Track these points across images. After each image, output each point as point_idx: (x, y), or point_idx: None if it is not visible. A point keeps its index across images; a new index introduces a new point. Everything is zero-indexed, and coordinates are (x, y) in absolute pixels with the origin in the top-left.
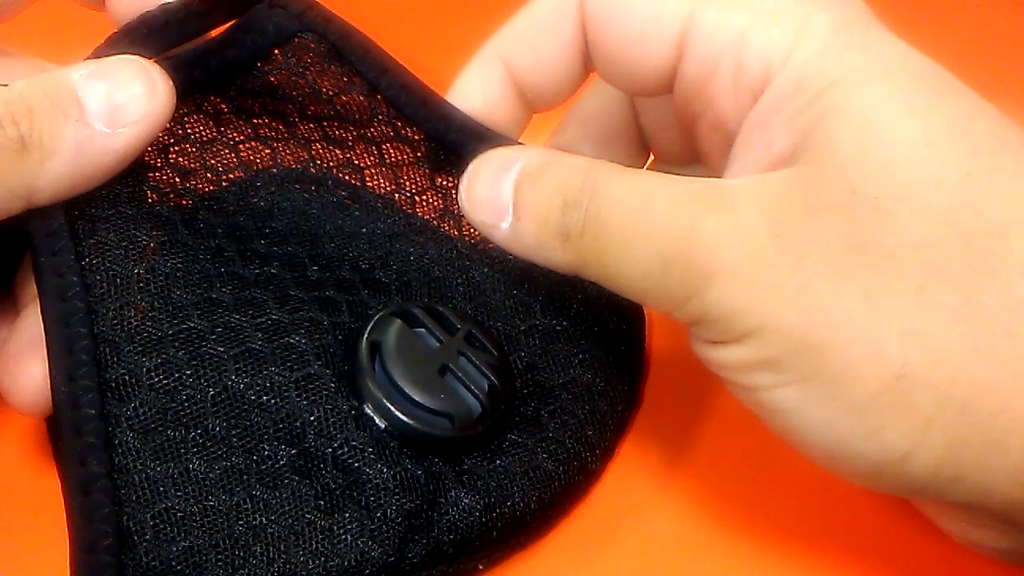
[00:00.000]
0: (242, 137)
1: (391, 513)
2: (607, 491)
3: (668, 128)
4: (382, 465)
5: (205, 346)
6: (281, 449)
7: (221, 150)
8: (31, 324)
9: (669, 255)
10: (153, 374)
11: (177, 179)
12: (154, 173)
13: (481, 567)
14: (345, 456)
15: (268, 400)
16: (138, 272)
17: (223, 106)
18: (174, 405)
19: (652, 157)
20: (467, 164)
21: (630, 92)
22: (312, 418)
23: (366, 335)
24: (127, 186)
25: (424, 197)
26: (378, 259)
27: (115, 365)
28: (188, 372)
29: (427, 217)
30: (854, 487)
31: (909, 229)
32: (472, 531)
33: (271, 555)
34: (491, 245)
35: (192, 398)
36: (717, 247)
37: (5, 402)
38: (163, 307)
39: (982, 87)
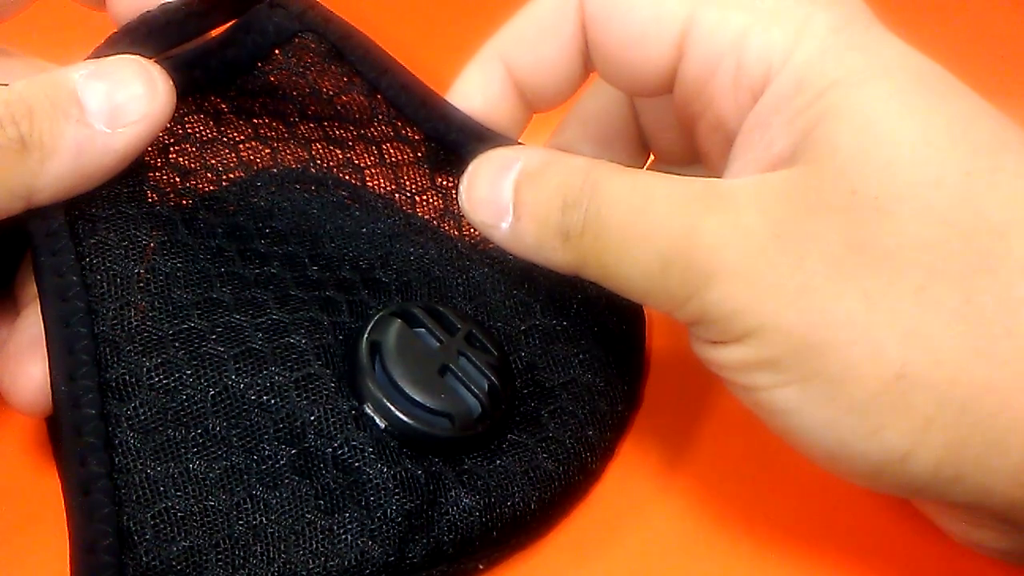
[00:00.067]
0: (242, 137)
1: (391, 513)
2: (607, 491)
3: (668, 128)
4: (382, 465)
5: (205, 346)
6: (281, 449)
7: (221, 150)
8: (31, 324)
9: (669, 255)
10: (153, 374)
11: (177, 179)
12: (154, 173)
13: (481, 567)
14: (345, 456)
15: (268, 400)
16: (138, 272)
17: (223, 106)
18: (174, 405)
19: (652, 157)
20: (467, 164)
21: (630, 92)
22: (312, 418)
23: (366, 335)
24: (127, 186)
25: (424, 197)
26: (378, 259)
27: (115, 365)
28: (188, 372)
29: (427, 217)
30: (854, 487)
31: (909, 229)
32: (472, 531)
33: (271, 555)
34: (491, 245)
35: (192, 398)
36: (717, 247)
37: (5, 402)
38: (163, 307)
39: (982, 87)
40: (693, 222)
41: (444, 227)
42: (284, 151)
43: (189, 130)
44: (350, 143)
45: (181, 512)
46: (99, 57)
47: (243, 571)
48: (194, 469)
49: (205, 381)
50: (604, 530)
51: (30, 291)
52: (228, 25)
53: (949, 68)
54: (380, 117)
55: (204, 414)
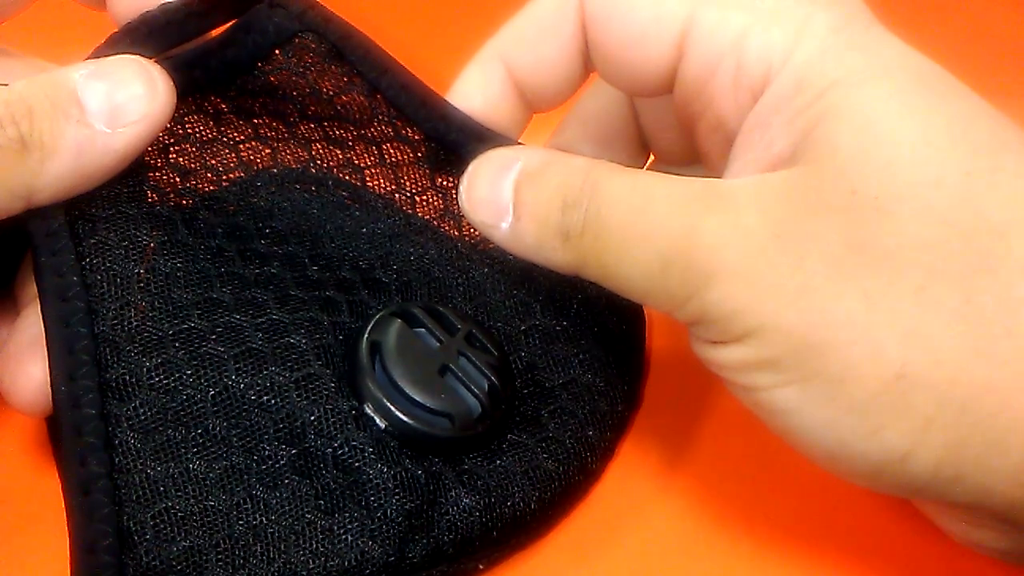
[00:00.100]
0: (242, 137)
1: (391, 513)
2: (607, 491)
3: (668, 128)
4: (382, 465)
5: (205, 346)
6: (281, 449)
7: (221, 150)
8: (31, 324)
9: (669, 255)
10: (153, 374)
11: (177, 179)
12: (154, 173)
13: (481, 567)
14: (345, 456)
15: (268, 400)
16: (138, 272)
17: (223, 106)
18: (174, 405)
19: (652, 157)
20: (467, 164)
21: (630, 92)
22: (312, 418)
23: (366, 335)
24: (127, 186)
25: (424, 197)
26: (378, 259)
27: (115, 365)
28: (188, 372)
29: (427, 217)
30: (854, 487)
31: (909, 229)
32: (472, 531)
33: (271, 555)
34: (491, 245)
35: (192, 398)
36: (717, 247)
37: (5, 402)
38: (163, 307)
39: (982, 87)
40: (693, 222)
41: (444, 227)
42: (284, 151)
43: (189, 130)
44: (350, 143)
45: (181, 512)
46: (99, 57)
47: (243, 571)
48: (194, 469)
49: (205, 381)
50: (604, 530)
51: (30, 291)
52: (228, 25)
53: (949, 68)
54: (380, 117)
55: (204, 414)
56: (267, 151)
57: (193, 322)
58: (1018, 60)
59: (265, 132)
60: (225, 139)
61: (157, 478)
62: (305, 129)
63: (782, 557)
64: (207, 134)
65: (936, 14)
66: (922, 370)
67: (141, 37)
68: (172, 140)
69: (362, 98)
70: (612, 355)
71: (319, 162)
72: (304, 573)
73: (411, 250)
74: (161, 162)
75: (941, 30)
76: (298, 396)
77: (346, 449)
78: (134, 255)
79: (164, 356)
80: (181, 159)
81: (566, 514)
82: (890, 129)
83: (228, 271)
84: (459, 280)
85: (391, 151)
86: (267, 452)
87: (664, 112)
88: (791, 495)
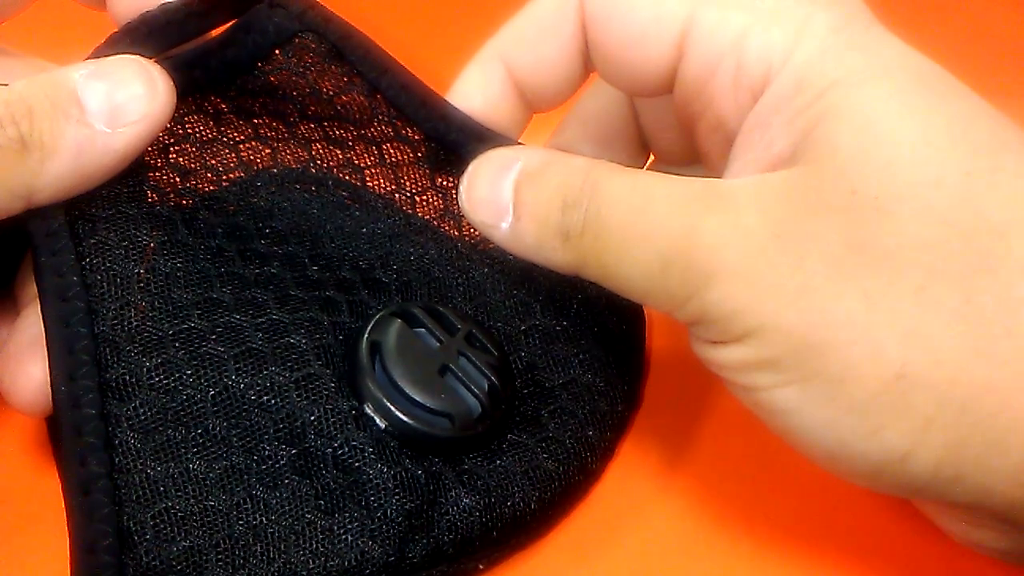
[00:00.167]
0: (242, 137)
1: (391, 513)
2: (607, 491)
3: (668, 128)
4: (382, 465)
5: (205, 346)
6: (281, 449)
7: (221, 150)
8: (31, 324)
9: (669, 255)
10: (153, 374)
11: (177, 179)
12: (154, 173)
13: (481, 567)
14: (345, 456)
15: (268, 400)
16: (138, 272)
17: (223, 106)
18: (174, 405)
19: (652, 157)
20: (467, 164)
21: (630, 92)
22: (312, 418)
23: (366, 335)
24: (127, 186)
25: (424, 197)
26: (378, 259)
27: (115, 365)
28: (188, 372)
29: (427, 217)
30: (854, 487)
31: (909, 229)
32: (472, 531)
33: (271, 555)
34: (491, 245)
35: (192, 398)
36: (717, 247)
37: (5, 402)
38: (163, 307)
39: (982, 87)
40: (693, 222)
41: (444, 227)
42: (284, 151)
43: (189, 130)
44: (350, 143)
45: (181, 512)
46: (99, 57)
47: (243, 571)
48: (194, 469)
49: (205, 381)
50: (604, 530)
51: (30, 291)
52: (228, 25)
53: (949, 68)
54: (380, 117)
55: (204, 414)
56: (267, 151)
57: (193, 322)
58: (1018, 60)
59: (265, 132)
60: (225, 139)
61: (157, 478)
62: (305, 129)
63: (782, 557)
64: (207, 134)
65: (936, 14)
66: (922, 370)
67: (141, 37)
68: (172, 140)
69: (362, 98)
70: (612, 355)
71: (319, 162)
72: (304, 573)
73: (411, 250)
74: (161, 162)
75: (941, 30)
76: (298, 396)
77: (346, 449)
78: (134, 255)
79: (164, 356)
80: (181, 159)
81: (566, 514)
82: (890, 129)
83: (228, 271)
84: (459, 280)
85: (391, 151)
86: (267, 452)
87: (664, 112)
88: (791, 495)
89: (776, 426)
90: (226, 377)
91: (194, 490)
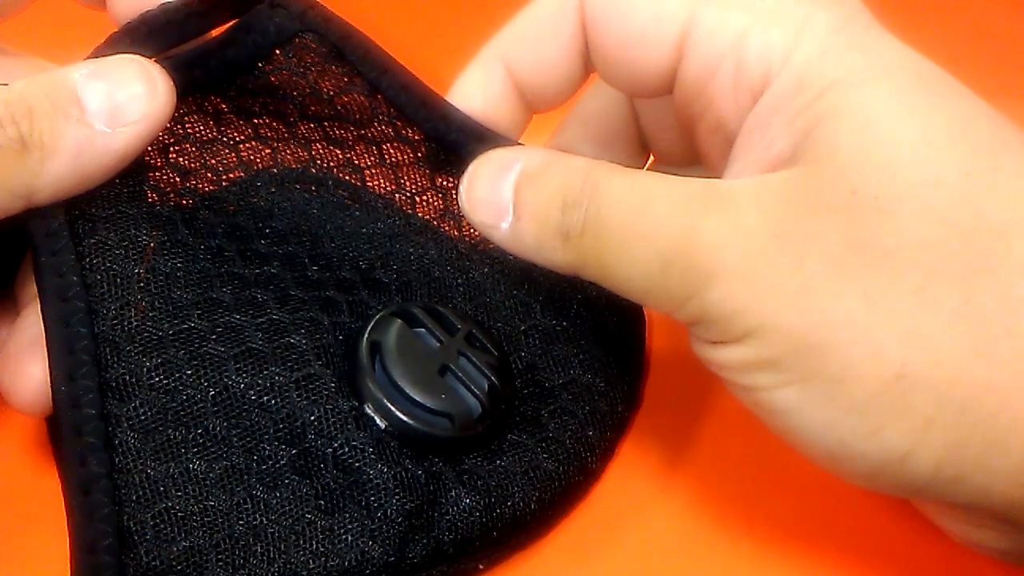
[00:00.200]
0: (242, 137)
1: (391, 513)
2: (607, 491)
3: (668, 129)
4: (382, 465)
5: (205, 346)
6: (281, 449)
7: (221, 150)
8: (31, 324)
9: (669, 255)
10: (153, 374)
11: (177, 179)
12: (154, 173)
13: (481, 567)
14: (345, 456)
15: (268, 400)
16: (138, 272)
17: (223, 106)
18: (174, 405)
19: (652, 158)
20: (467, 164)
21: (630, 93)
22: (312, 418)
23: (366, 335)
24: (127, 186)
25: (424, 197)
26: (378, 259)
27: (115, 365)
28: (188, 372)
29: (427, 217)
30: (854, 487)
31: (909, 229)
32: (472, 531)
33: (271, 555)
34: (491, 245)
35: (192, 398)
36: (717, 247)
37: (5, 402)
38: (163, 307)
39: (982, 87)
40: (693, 222)
41: (444, 227)
42: (284, 151)
43: (189, 130)
44: (350, 143)
45: (181, 512)
46: (99, 57)
47: (243, 571)
48: (194, 469)
49: (205, 381)
50: (604, 530)
51: (30, 291)
52: (228, 25)
53: (949, 68)
54: (380, 117)
55: (204, 414)
56: (267, 151)
57: (193, 322)
58: (1018, 60)
59: (265, 132)
60: (225, 139)
61: (157, 478)
62: (305, 129)
63: (782, 557)
64: (207, 134)
65: (936, 14)
66: (922, 370)
67: (141, 37)
68: (172, 140)
69: (362, 98)
70: (612, 355)
71: (319, 162)
72: (304, 573)
73: (411, 250)
74: (161, 162)
75: (941, 30)
76: (298, 396)
77: (346, 449)
78: (134, 255)
79: (164, 356)
80: (181, 159)
81: (566, 514)
82: (890, 129)
83: (228, 271)
84: (459, 280)
85: (391, 151)
86: (267, 452)
87: (664, 113)
88: (791, 495)
89: (776, 426)
90: (226, 377)
91: (194, 490)
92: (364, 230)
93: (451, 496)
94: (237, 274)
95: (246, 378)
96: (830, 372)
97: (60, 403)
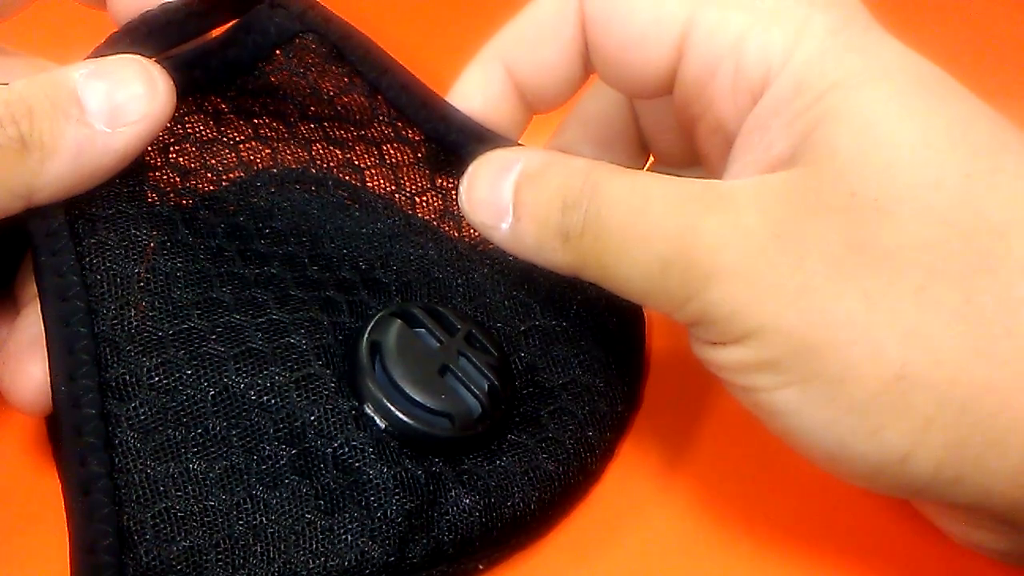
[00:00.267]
0: (242, 137)
1: (391, 513)
2: (607, 491)
3: (668, 130)
4: (382, 465)
5: (205, 346)
6: (281, 449)
7: (221, 150)
8: (31, 324)
9: (669, 256)
10: (153, 374)
11: (177, 179)
12: (154, 173)
13: (481, 567)
14: (345, 456)
15: (268, 400)
16: (138, 272)
17: (223, 106)
18: (174, 405)
19: (652, 159)
20: (467, 165)
21: (630, 94)
22: (312, 418)
23: (366, 335)
24: (127, 185)
25: (424, 198)
26: (378, 259)
27: (115, 365)
28: (188, 372)
29: (427, 218)
30: (854, 487)
31: (909, 229)
32: (472, 531)
33: (271, 555)
34: (491, 246)
35: (192, 398)
36: (717, 247)
37: (5, 402)
38: (163, 307)
39: (982, 88)
40: (693, 222)
41: (444, 228)
42: (284, 151)
43: (189, 130)
44: (350, 144)
45: (181, 512)
46: (99, 56)
47: (243, 571)
48: (194, 469)
49: (205, 381)
50: (604, 530)
51: (30, 291)
52: (228, 25)
53: (949, 69)
54: (380, 118)
55: (204, 414)
56: (267, 151)
57: (193, 322)
58: (1018, 60)
59: (265, 132)
60: (225, 139)
61: (157, 478)
62: (305, 129)
63: (782, 557)
64: (207, 134)
65: (935, 15)
66: (922, 370)
67: (141, 37)
68: (172, 140)
69: (362, 99)
70: (612, 356)
71: (319, 162)
72: (304, 573)
73: (411, 250)
74: (161, 162)
75: (940, 31)
76: (298, 396)
77: (346, 449)
78: (134, 255)
79: (164, 356)
80: (181, 159)
81: (566, 514)
82: (889, 131)
83: (228, 271)
84: (459, 280)
85: (391, 152)
86: (267, 452)
87: (664, 114)
88: (791, 495)
89: (776, 427)
90: (226, 377)
91: (194, 490)
92: (364, 230)
93: (451, 496)
94: (237, 274)
95: (246, 378)
96: (830, 372)
97: (60, 403)
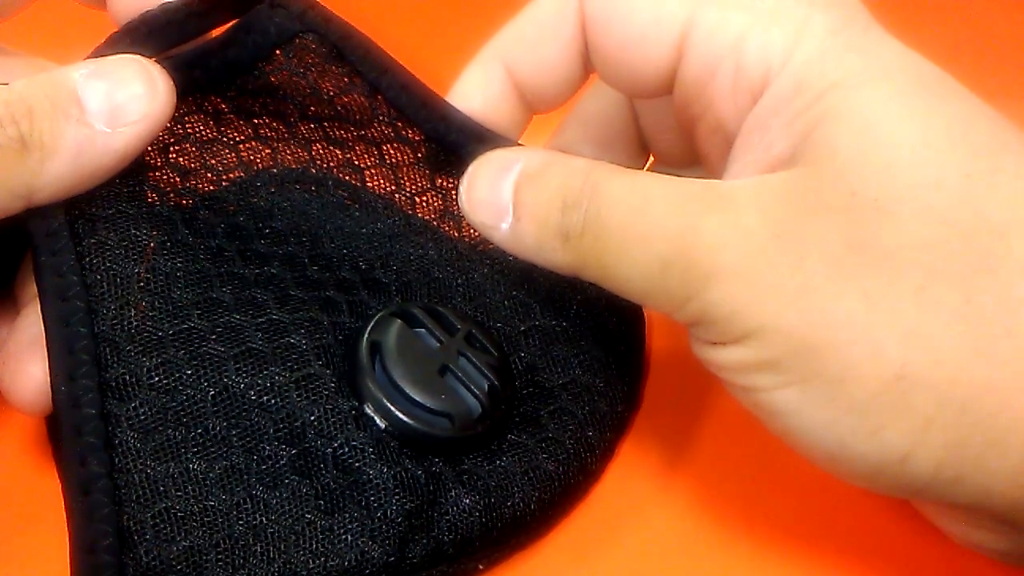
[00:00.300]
0: (242, 137)
1: (391, 513)
2: (607, 491)
3: (668, 130)
4: (382, 465)
5: (205, 346)
6: (281, 449)
7: (221, 150)
8: (31, 324)
9: (669, 256)
10: (153, 374)
11: (177, 179)
12: (154, 173)
13: (481, 567)
14: (345, 456)
15: (268, 400)
16: (138, 272)
17: (223, 106)
18: (174, 405)
19: (652, 159)
20: (467, 165)
21: (630, 94)
22: (312, 418)
23: (366, 335)
24: (127, 185)
25: (424, 198)
26: (378, 259)
27: (115, 365)
28: (188, 372)
29: (427, 218)
30: (854, 487)
31: (909, 229)
32: (472, 531)
33: (271, 555)
34: (491, 246)
35: (192, 398)
36: (717, 247)
37: (5, 402)
38: (163, 307)
39: (982, 88)
40: (693, 222)
41: (444, 228)
42: (284, 151)
43: (189, 130)
44: (350, 144)
45: (181, 512)
46: (99, 56)
47: (243, 571)
48: (194, 469)
49: (205, 381)
50: (604, 530)
51: (30, 291)
52: (228, 25)
53: (948, 69)
54: (380, 118)
55: (204, 414)
56: (267, 151)
57: (193, 322)
58: (1018, 60)
59: (265, 132)
60: (225, 139)
61: (157, 478)
62: (305, 129)
63: (782, 557)
64: (207, 134)
65: (936, 15)
66: (922, 370)
67: (141, 37)
68: (172, 140)
69: (362, 98)
70: (612, 356)
71: (319, 162)
72: (304, 573)
73: (411, 250)
74: (161, 162)
75: (940, 31)
76: (298, 396)
77: (346, 449)
78: (134, 255)
79: (164, 356)
80: (181, 159)
81: (566, 514)
82: (889, 131)
83: (228, 271)
84: (459, 280)
85: (391, 152)
86: (267, 452)
87: (664, 114)
88: (791, 495)
89: (776, 427)
90: (226, 377)
91: (194, 490)
92: (364, 230)
93: (451, 496)
94: (237, 274)
95: (246, 378)
96: (830, 372)
97: (60, 403)
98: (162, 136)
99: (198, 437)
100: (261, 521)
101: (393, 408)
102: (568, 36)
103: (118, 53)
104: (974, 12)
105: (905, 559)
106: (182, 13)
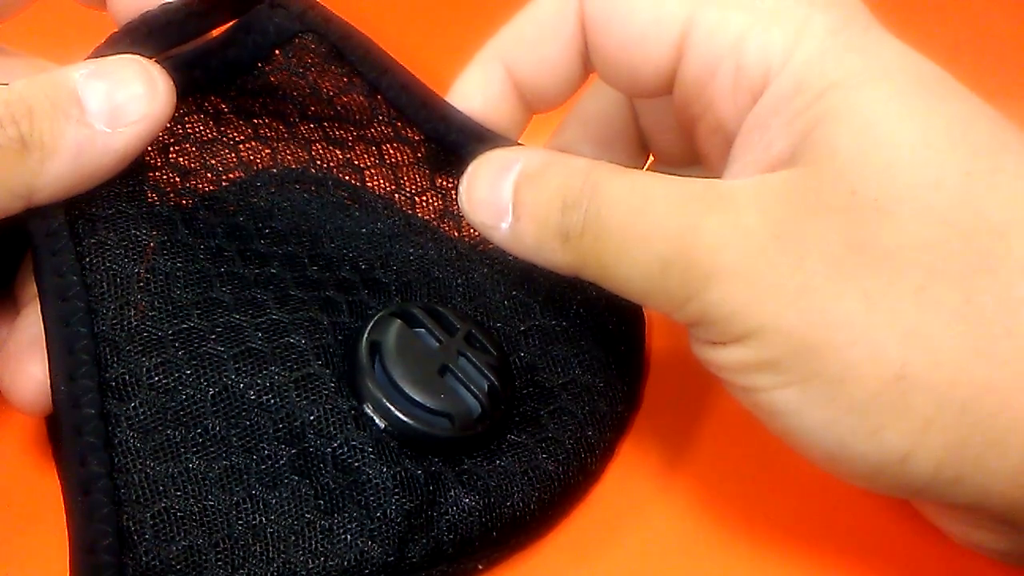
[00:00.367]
0: (242, 137)
1: (391, 513)
2: (607, 491)
3: (668, 130)
4: (382, 465)
5: (205, 346)
6: (281, 449)
7: (221, 150)
8: (31, 324)
9: (669, 256)
10: (153, 373)
11: (177, 179)
12: (154, 173)
13: (481, 567)
14: (345, 456)
15: (268, 400)
16: (138, 272)
17: (223, 106)
18: (174, 405)
19: (652, 158)
20: (467, 165)
21: (630, 93)
22: (312, 418)
23: (366, 335)
24: (127, 185)
25: (424, 198)
26: (378, 259)
27: (115, 365)
28: (188, 372)
29: (427, 218)
30: (854, 487)
31: (909, 229)
32: (472, 531)
33: (271, 554)
34: (491, 246)
35: (192, 398)
36: (717, 247)
37: (5, 402)
38: (163, 307)
39: (982, 87)
40: (693, 222)
41: (444, 228)
42: (284, 151)
43: (189, 130)
44: (350, 144)
45: (181, 512)
46: (99, 57)
47: (243, 571)
48: (194, 469)
49: (205, 381)
50: (604, 530)
51: (30, 291)
52: (228, 25)
53: (949, 69)
54: (380, 118)
55: (204, 414)
56: (267, 151)
57: (193, 322)
58: (1018, 60)
59: (265, 132)
60: (225, 139)
61: (156, 478)
62: (305, 129)
63: (782, 557)
64: (207, 134)
65: (936, 14)
66: (922, 370)
67: (141, 37)
68: (172, 140)
69: (362, 98)
70: (612, 356)
71: (319, 162)
72: (304, 573)
73: (411, 250)
74: (161, 162)
75: (941, 30)
76: (298, 396)
77: (346, 449)
78: (134, 255)
79: (164, 356)
80: (181, 159)
81: (566, 514)
82: (889, 131)
83: (228, 271)
84: (459, 280)
85: (391, 152)
86: (267, 452)
87: (664, 113)
88: (791, 495)
89: (776, 427)
90: (226, 377)
91: (193, 490)
92: (364, 230)
93: (451, 496)
94: (237, 274)
95: (246, 378)
96: (830, 373)
97: (60, 403)
98: (162, 136)
99: (198, 437)
100: (260, 521)
101: (393, 408)
102: (568, 36)
103: (118, 53)
104: (974, 12)
105: (905, 559)
106: (182, 13)
